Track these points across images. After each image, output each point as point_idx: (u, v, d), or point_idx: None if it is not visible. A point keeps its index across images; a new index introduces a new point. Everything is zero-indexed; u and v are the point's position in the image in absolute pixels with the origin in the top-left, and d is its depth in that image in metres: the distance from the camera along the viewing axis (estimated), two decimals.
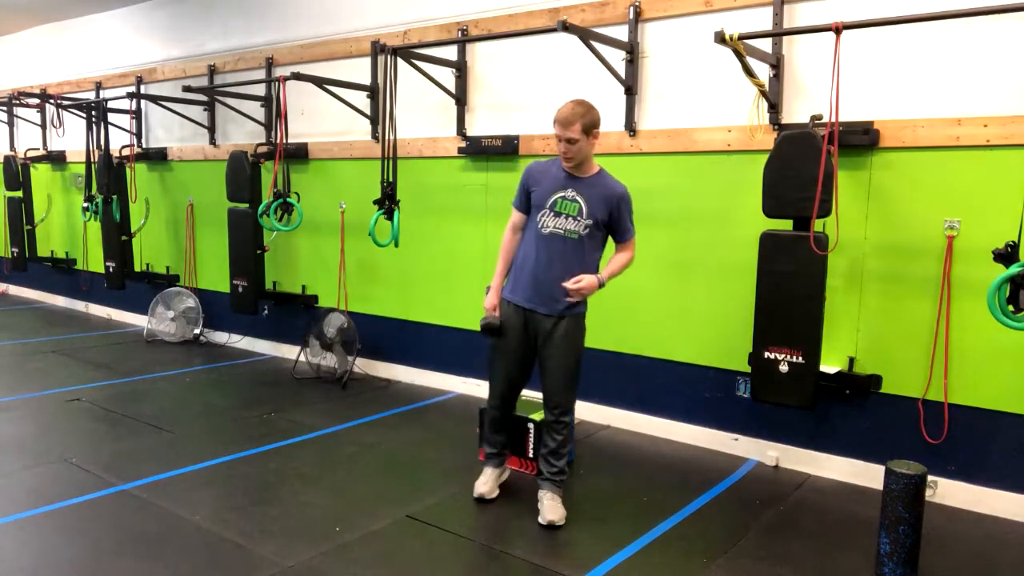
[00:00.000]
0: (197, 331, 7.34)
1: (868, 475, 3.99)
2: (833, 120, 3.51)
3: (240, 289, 6.45)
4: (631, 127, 4.71)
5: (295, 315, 6.67)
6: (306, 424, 4.89)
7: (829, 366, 4.05)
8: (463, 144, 5.47)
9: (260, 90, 6.62)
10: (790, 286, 3.80)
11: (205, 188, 7.31)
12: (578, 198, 3.39)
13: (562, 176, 3.43)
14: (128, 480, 3.86)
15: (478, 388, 5.50)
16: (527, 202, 3.52)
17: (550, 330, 3.46)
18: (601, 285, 3.40)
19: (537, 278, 3.44)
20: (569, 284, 3.32)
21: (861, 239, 4.00)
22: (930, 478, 3.67)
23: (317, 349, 6.07)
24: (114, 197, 7.29)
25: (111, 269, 7.59)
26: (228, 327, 7.29)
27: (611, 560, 3.15)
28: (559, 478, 3.59)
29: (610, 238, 3.59)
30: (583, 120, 3.28)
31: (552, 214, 3.41)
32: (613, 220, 3.43)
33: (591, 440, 4.70)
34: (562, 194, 3.40)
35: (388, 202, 5.15)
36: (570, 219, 3.39)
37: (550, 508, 3.48)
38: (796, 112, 4.16)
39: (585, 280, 3.33)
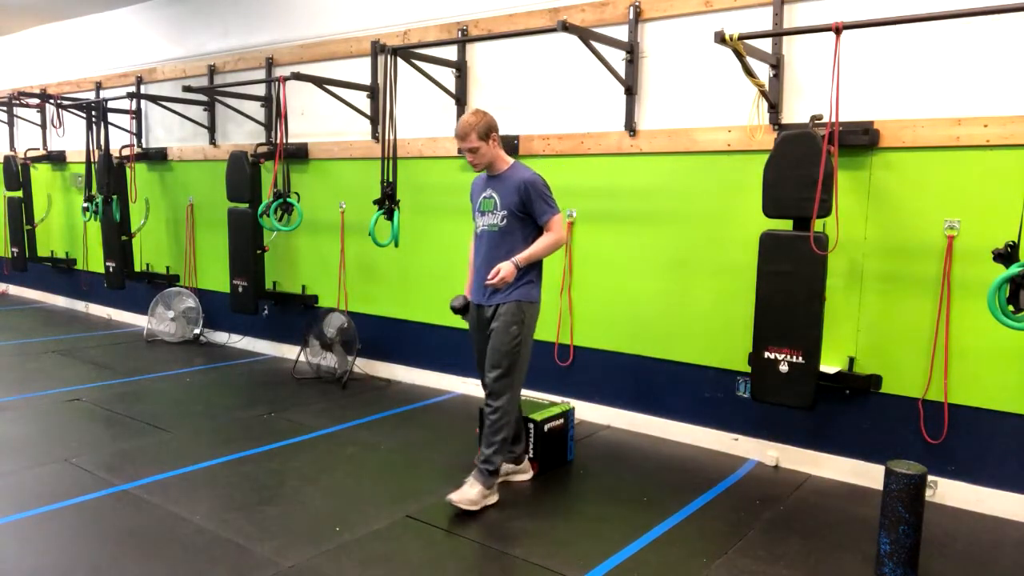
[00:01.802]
0: (197, 331, 7.34)
1: (868, 475, 3.99)
2: (833, 120, 3.51)
3: (240, 289, 6.45)
4: (631, 127, 4.71)
5: (295, 315, 6.67)
6: (306, 424, 4.89)
7: (829, 366, 4.05)
8: None
9: (260, 90, 6.62)
10: (790, 286, 3.80)
11: (205, 188, 7.31)
12: (493, 194, 3.65)
13: (483, 179, 3.75)
14: (128, 480, 3.87)
15: (477, 388, 5.47)
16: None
17: (489, 318, 3.66)
18: (518, 267, 3.52)
19: (477, 273, 3.72)
20: (489, 280, 3.51)
21: (861, 239, 4.00)
22: (930, 478, 3.67)
23: (317, 349, 6.07)
24: (114, 197, 7.29)
25: (111, 269, 7.59)
26: (228, 327, 7.29)
27: (611, 560, 3.15)
28: (484, 466, 3.59)
29: None
30: (477, 128, 3.54)
31: (479, 214, 3.72)
32: (527, 206, 3.56)
33: (591, 440, 4.70)
34: (484, 195, 3.69)
35: (388, 202, 5.15)
36: (489, 215, 3.65)
37: (459, 489, 3.56)
38: (796, 112, 4.16)
39: (502, 269, 3.48)
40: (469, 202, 3.84)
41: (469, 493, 3.53)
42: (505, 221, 3.59)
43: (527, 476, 4.01)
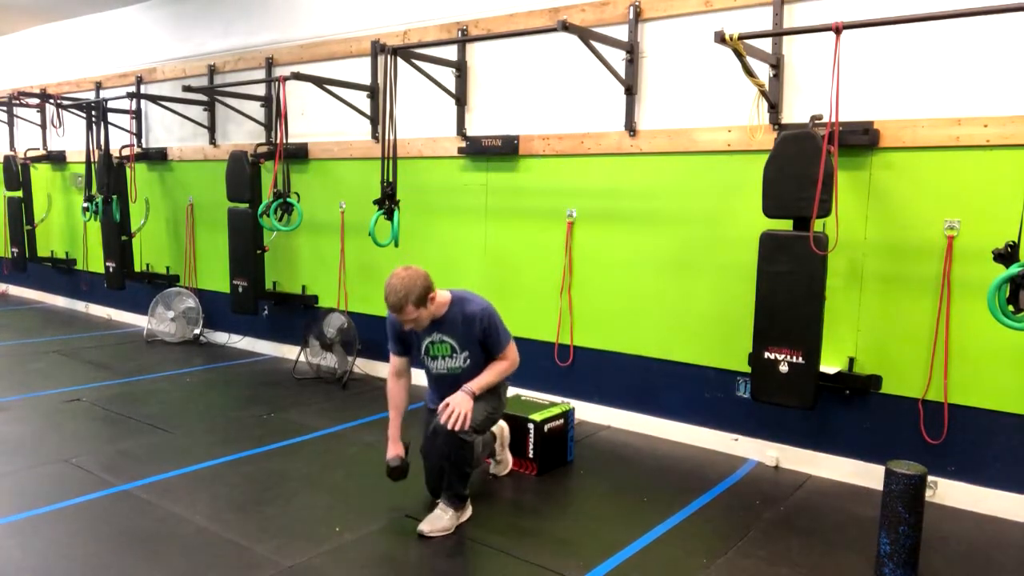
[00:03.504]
0: (197, 331, 7.34)
1: (868, 475, 3.99)
2: (833, 120, 3.51)
3: (240, 289, 6.45)
4: (631, 127, 4.71)
5: (295, 315, 6.67)
6: (306, 424, 4.88)
7: (829, 366, 4.05)
8: (463, 144, 5.47)
9: (260, 90, 6.62)
10: (790, 286, 3.80)
11: (205, 188, 7.31)
12: (446, 338, 3.45)
13: None
14: (128, 480, 3.87)
15: None
16: (402, 344, 3.60)
17: None
18: (473, 395, 3.33)
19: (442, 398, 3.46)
20: (451, 425, 3.24)
21: (861, 239, 4.00)
22: (930, 478, 3.67)
23: (317, 349, 6.07)
24: (114, 197, 7.29)
25: (111, 269, 7.59)
26: (228, 327, 7.29)
27: (611, 560, 3.15)
28: (447, 492, 3.41)
29: None
30: (411, 300, 3.21)
31: (430, 358, 3.52)
32: (485, 341, 3.43)
33: (591, 440, 4.70)
34: (430, 339, 3.47)
35: (388, 202, 5.15)
36: (447, 359, 3.48)
37: (429, 517, 3.38)
38: (796, 112, 4.16)
39: (457, 408, 3.25)
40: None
41: (442, 520, 3.36)
42: (469, 361, 3.45)
43: (505, 433, 4.02)
